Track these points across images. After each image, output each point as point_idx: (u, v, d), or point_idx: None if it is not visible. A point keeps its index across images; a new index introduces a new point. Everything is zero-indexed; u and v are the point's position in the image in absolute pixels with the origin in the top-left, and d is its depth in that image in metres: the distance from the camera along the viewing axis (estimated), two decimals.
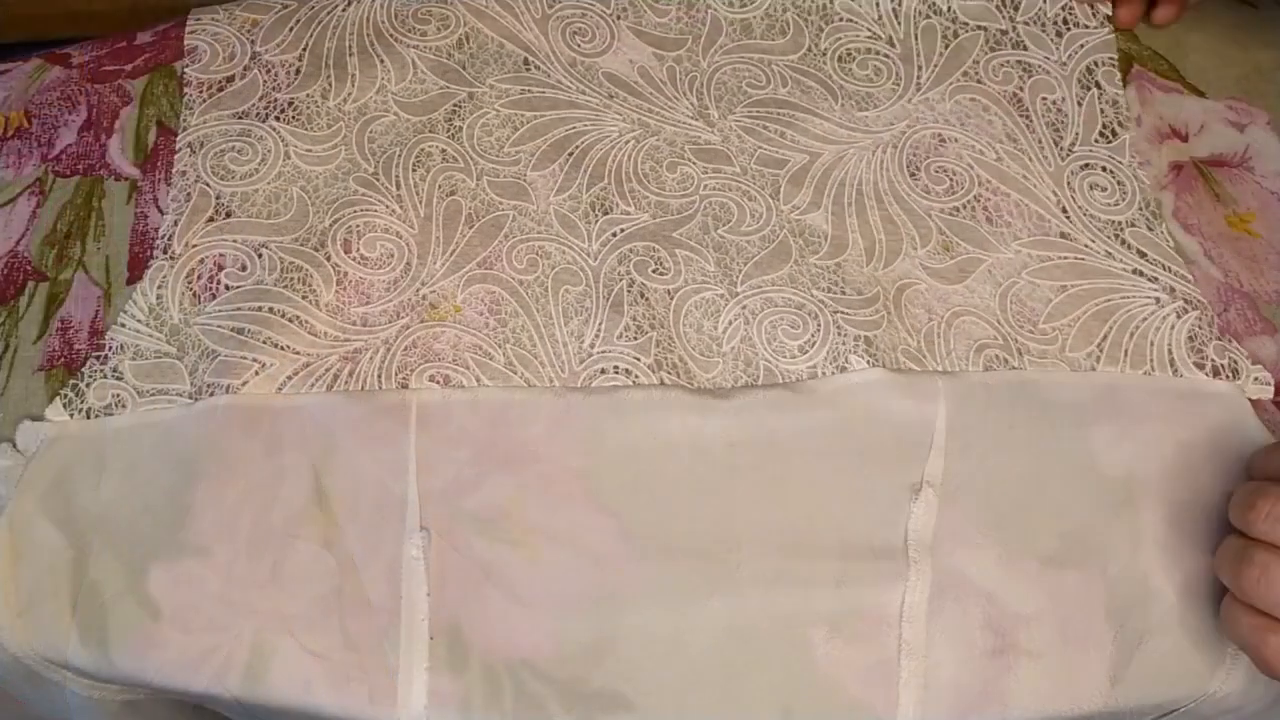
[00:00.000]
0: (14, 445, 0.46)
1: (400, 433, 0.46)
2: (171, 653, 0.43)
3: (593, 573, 0.44)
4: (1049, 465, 0.47)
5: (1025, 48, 0.58)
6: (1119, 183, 0.54)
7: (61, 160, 0.53)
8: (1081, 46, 0.58)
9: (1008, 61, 0.58)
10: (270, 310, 0.49)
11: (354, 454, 0.46)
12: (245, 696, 0.43)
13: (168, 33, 0.58)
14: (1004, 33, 0.59)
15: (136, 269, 0.51)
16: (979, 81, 0.57)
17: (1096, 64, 0.58)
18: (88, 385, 0.47)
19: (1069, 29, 0.59)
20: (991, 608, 0.44)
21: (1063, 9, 0.59)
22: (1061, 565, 0.45)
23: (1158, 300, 0.51)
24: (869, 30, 0.59)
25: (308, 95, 0.54)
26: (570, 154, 0.54)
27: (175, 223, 0.51)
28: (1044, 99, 0.57)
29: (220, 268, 0.50)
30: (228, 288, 0.49)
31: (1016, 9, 0.59)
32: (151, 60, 0.57)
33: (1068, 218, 0.53)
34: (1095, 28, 0.59)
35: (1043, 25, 0.59)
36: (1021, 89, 0.57)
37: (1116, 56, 0.58)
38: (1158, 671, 0.44)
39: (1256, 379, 0.49)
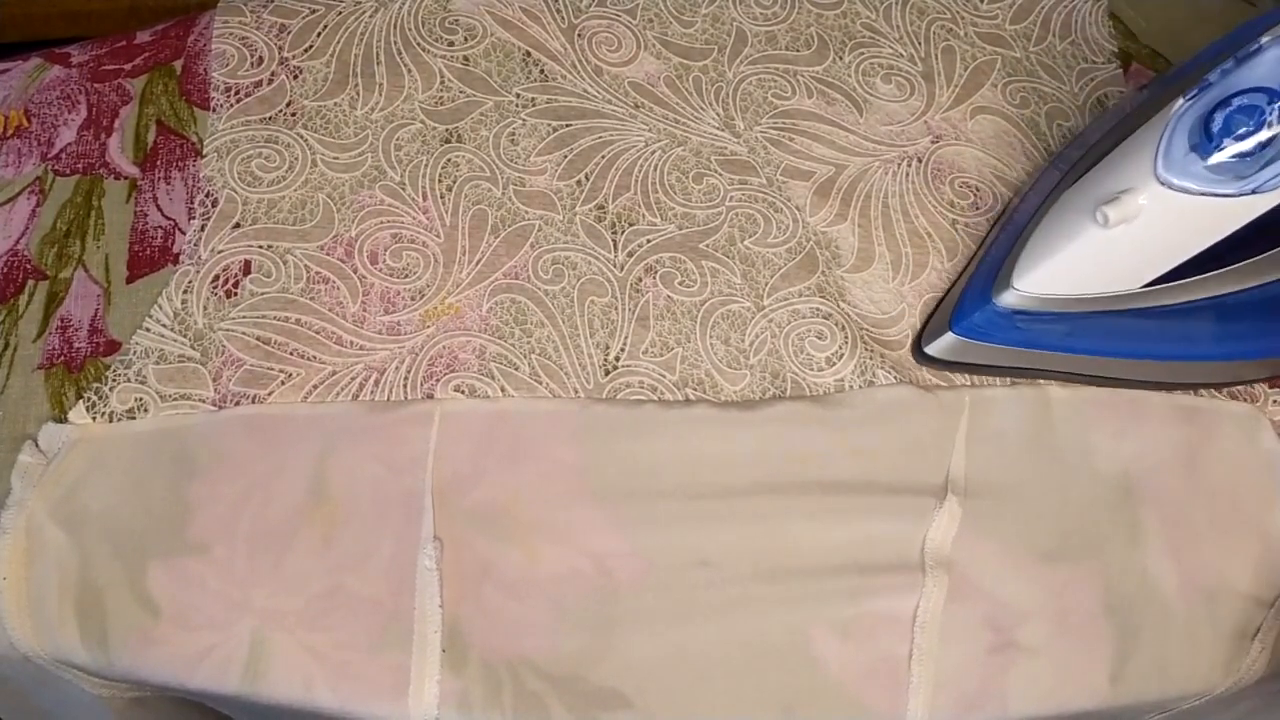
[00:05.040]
0: (36, 444, 0.46)
1: (421, 441, 0.46)
2: (170, 650, 0.43)
3: (593, 573, 0.44)
4: (1049, 463, 0.47)
5: (1039, 76, 0.59)
6: None
7: (61, 159, 0.53)
8: (1092, 80, 0.59)
9: (1024, 87, 0.58)
10: (297, 322, 0.48)
11: (357, 453, 0.45)
12: (245, 693, 0.43)
13: (167, 32, 0.57)
14: (1019, 60, 0.59)
15: (136, 268, 0.50)
16: (998, 103, 0.58)
17: (1108, 96, 0.59)
18: (111, 389, 0.46)
19: (1079, 63, 0.60)
20: (991, 605, 0.44)
21: (1070, 44, 0.60)
22: (1060, 562, 0.45)
23: None
24: (891, 48, 0.59)
25: (335, 104, 0.54)
26: (596, 164, 0.53)
27: (201, 228, 0.50)
28: (1059, 125, 0.57)
29: (245, 272, 0.49)
30: (253, 293, 0.49)
31: (1029, 39, 0.60)
32: (151, 60, 0.56)
33: None
34: (1103, 63, 0.60)
35: (1054, 57, 0.60)
36: (1038, 114, 0.57)
37: (1126, 90, 0.59)
38: (1158, 669, 0.45)
39: (1276, 401, 0.49)
